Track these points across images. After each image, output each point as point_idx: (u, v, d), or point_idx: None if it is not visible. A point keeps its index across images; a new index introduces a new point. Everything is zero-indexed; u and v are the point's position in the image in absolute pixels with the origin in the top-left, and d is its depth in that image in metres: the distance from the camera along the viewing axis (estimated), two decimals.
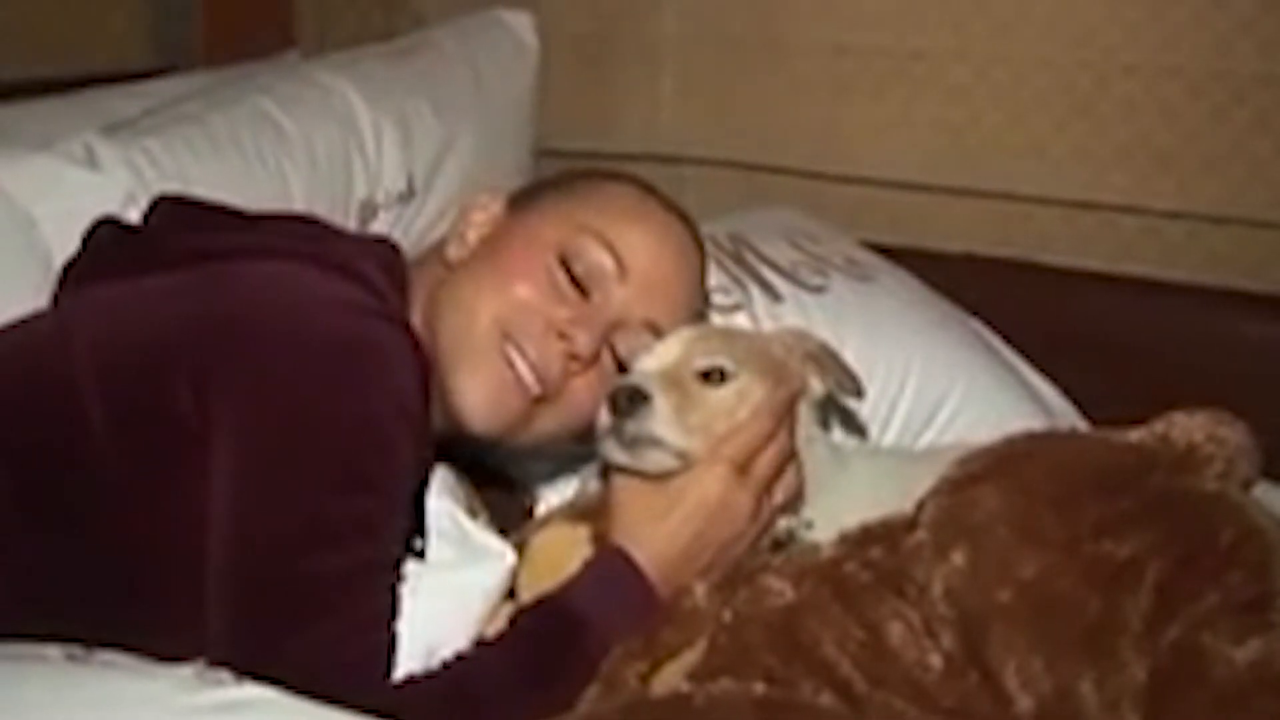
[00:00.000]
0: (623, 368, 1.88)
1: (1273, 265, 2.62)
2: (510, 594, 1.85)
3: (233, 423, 1.60)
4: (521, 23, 2.84)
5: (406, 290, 1.86)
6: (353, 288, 1.72)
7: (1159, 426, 1.85)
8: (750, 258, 2.47)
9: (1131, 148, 2.68)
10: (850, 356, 2.27)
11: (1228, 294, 2.65)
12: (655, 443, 1.78)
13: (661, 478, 1.81)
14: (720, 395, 1.84)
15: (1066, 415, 2.56)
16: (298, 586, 1.58)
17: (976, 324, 2.61)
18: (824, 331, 2.31)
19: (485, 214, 1.93)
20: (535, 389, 1.83)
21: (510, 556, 1.84)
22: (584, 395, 1.86)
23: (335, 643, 1.58)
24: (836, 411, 2.13)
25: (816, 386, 1.97)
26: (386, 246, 1.93)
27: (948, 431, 2.37)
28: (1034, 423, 2.35)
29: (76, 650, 1.59)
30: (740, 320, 2.35)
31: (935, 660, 1.70)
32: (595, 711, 1.69)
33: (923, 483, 1.85)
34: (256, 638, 1.57)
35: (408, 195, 2.47)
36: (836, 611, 1.74)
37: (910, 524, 1.81)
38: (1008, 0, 2.74)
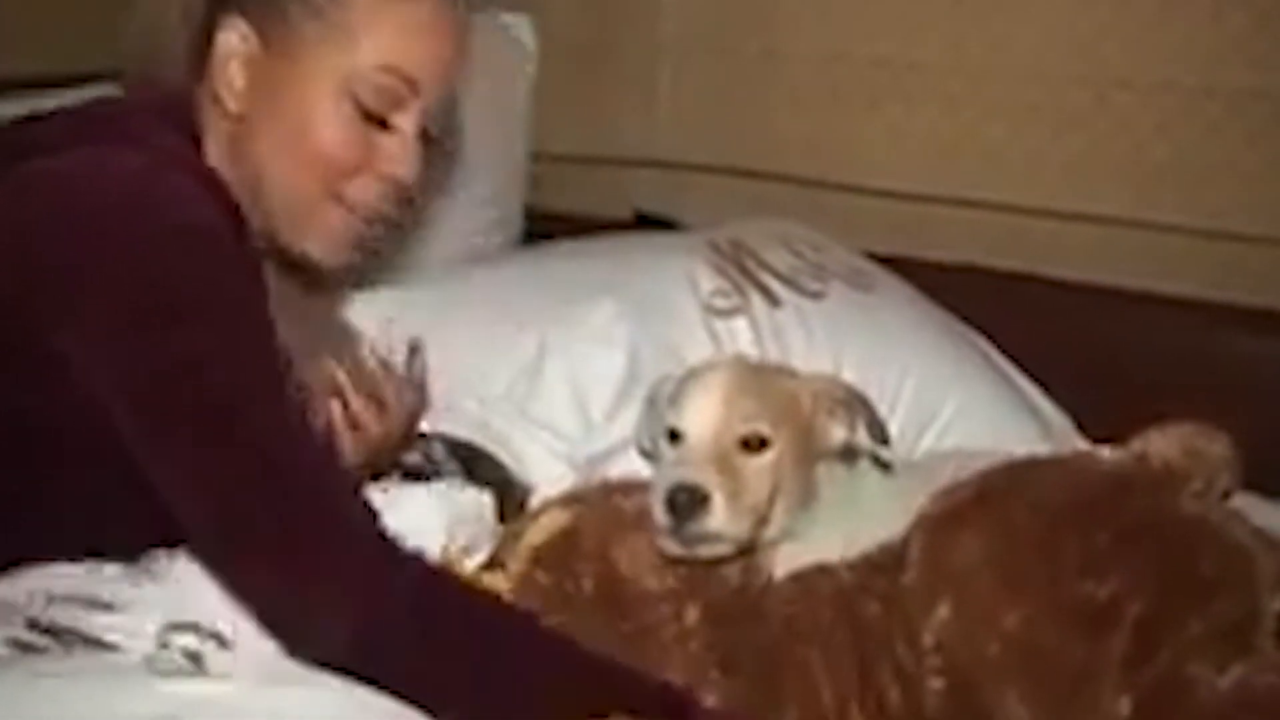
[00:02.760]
0: None
1: (1266, 279, 2.64)
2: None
3: (75, 308, 1.61)
4: (520, 25, 2.86)
5: (202, 143, 1.82)
6: (144, 154, 1.70)
7: (1136, 445, 1.86)
8: (750, 264, 2.48)
9: (1127, 161, 2.71)
10: (847, 364, 2.35)
11: (1223, 308, 2.67)
12: (717, 539, 1.81)
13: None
14: (759, 466, 1.86)
15: (1063, 429, 2.57)
16: (203, 409, 1.59)
17: (974, 335, 2.62)
18: (821, 339, 2.39)
19: (241, 60, 1.80)
20: (370, 229, 1.85)
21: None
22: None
23: (265, 437, 1.60)
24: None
25: (839, 435, 1.98)
26: (173, 104, 1.84)
27: (943, 441, 2.38)
28: (1028, 435, 2.39)
29: (22, 634, 1.64)
30: (739, 326, 2.37)
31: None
32: None
33: (920, 498, 1.88)
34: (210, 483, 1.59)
35: None
36: (842, 638, 1.79)
37: (900, 558, 1.83)
38: (1005, 14, 2.75)
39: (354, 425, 2.04)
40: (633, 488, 1.96)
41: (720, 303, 2.40)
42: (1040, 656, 1.70)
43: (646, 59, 3.06)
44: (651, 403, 2.05)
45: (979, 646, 1.72)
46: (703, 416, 1.87)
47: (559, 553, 1.89)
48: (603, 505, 1.94)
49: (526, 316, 2.37)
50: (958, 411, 2.42)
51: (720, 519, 1.79)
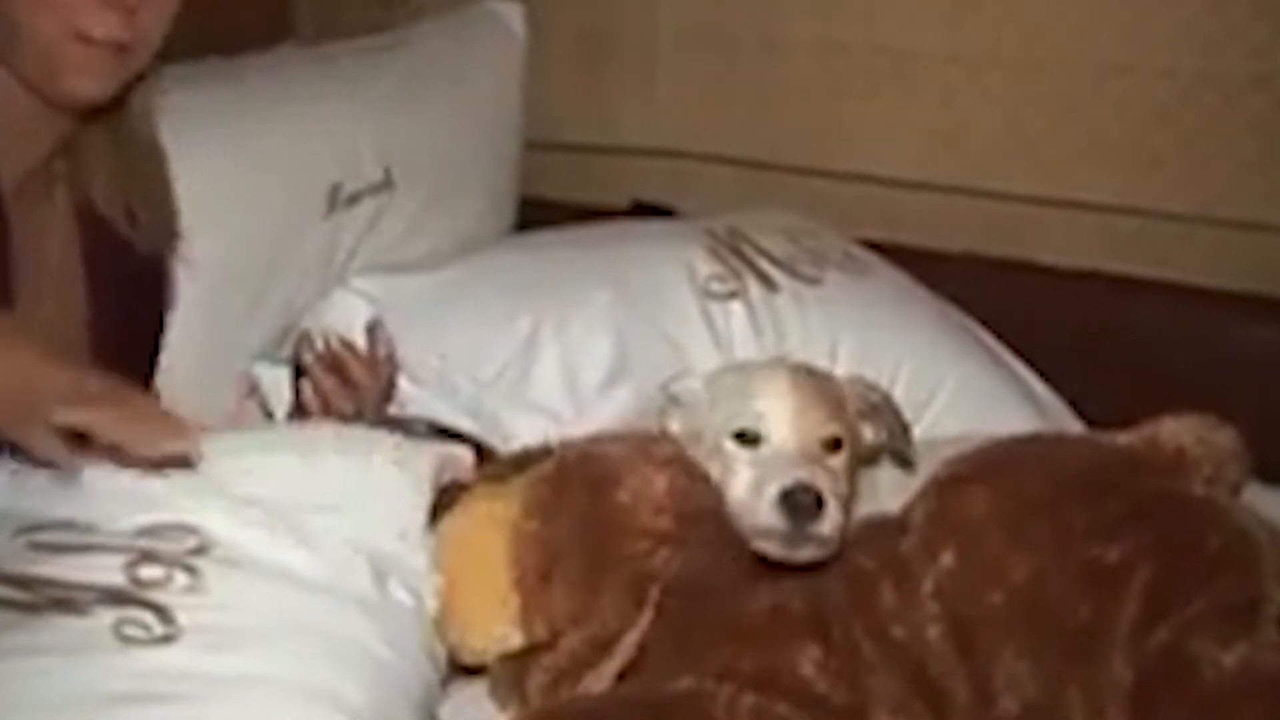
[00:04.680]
0: None
1: (1264, 266, 2.60)
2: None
3: None
4: (511, 13, 2.82)
5: None
6: None
7: (1148, 430, 1.85)
8: (747, 249, 2.46)
9: (1125, 148, 2.67)
10: (843, 349, 2.34)
11: (1221, 295, 2.63)
12: (824, 543, 1.78)
13: None
14: (839, 468, 1.87)
15: (1060, 414, 2.54)
16: None
17: (970, 322, 2.59)
18: (818, 324, 2.37)
19: None
20: (118, 57, 1.83)
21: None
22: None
23: None
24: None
25: (869, 437, 2.00)
26: None
27: (939, 426, 2.35)
28: (1027, 421, 2.35)
29: None
30: (735, 310, 2.36)
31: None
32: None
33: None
34: None
35: (385, 185, 2.46)
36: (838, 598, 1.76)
37: (901, 526, 1.82)
38: (1003, 2, 2.73)
39: (326, 407, 2.09)
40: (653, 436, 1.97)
41: (717, 287, 2.38)
42: (1045, 610, 1.67)
43: (645, 47, 3.02)
44: (674, 399, 2.02)
45: (981, 594, 1.70)
46: (786, 418, 1.86)
47: (568, 466, 1.89)
48: (629, 440, 1.94)
49: (521, 301, 2.35)
50: (953, 397, 2.40)
51: (833, 522, 1.77)
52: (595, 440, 1.94)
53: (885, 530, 1.83)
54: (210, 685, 1.51)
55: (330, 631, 1.64)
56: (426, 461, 1.90)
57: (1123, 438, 1.86)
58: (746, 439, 1.86)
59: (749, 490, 1.81)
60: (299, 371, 2.18)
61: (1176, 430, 1.83)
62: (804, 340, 2.33)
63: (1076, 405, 2.55)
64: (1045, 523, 1.72)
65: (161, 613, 1.56)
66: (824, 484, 1.78)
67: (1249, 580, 1.68)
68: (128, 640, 1.53)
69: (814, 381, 1.96)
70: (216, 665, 1.54)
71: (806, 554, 1.77)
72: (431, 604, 1.79)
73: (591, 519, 1.81)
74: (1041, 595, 1.68)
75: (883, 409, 2.02)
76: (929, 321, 2.50)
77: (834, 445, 1.87)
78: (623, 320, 2.30)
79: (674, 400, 2.01)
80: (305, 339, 2.19)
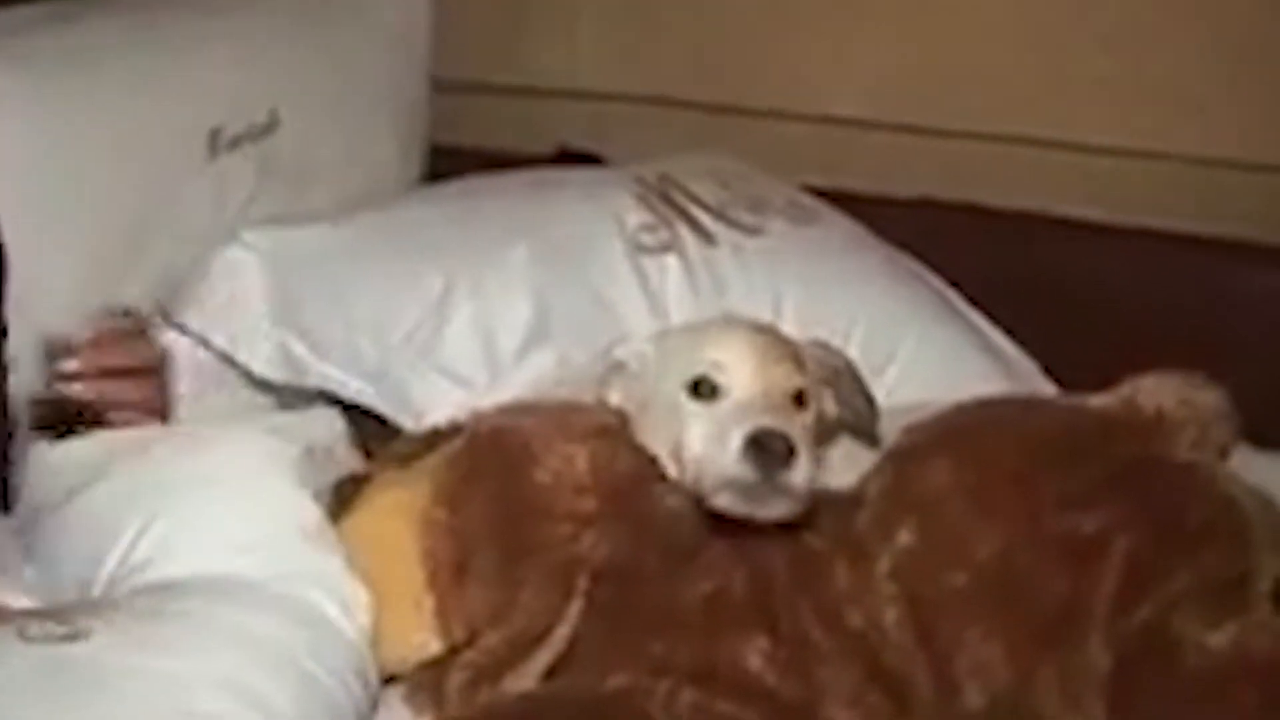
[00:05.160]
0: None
1: (1255, 209, 2.61)
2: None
3: None
4: None
5: None
6: None
7: (1125, 391, 1.85)
8: (681, 198, 2.44)
9: (1105, 82, 2.67)
10: (789, 305, 2.32)
11: (1208, 241, 2.63)
12: (795, 496, 1.76)
13: None
14: (806, 424, 1.86)
15: (1030, 376, 2.53)
16: None
17: (928, 274, 2.58)
18: (760, 278, 2.34)
19: None
20: None
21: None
22: None
23: None
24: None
25: (829, 409, 1.99)
26: None
27: (899, 390, 2.32)
28: (993, 384, 2.34)
29: None
30: (669, 263, 2.33)
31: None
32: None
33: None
34: None
35: (270, 127, 2.43)
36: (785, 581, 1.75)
37: (854, 502, 1.81)
38: None
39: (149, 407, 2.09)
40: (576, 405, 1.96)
41: (648, 240, 2.36)
42: (1014, 590, 1.69)
43: None
44: (618, 366, 2.00)
45: (943, 574, 1.71)
46: (748, 368, 1.86)
47: (479, 444, 1.88)
48: (546, 411, 1.93)
49: (432, 258, 2.31)
50: (912, 358, 2.38)
51: (805, 472, 1.75)
52: (509, 412, 1.94)
53: (837, 507, 1.83)
54: (122, 677, 1.55)
55: (257, 639, 1.67)
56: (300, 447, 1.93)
57: (1098, 400, 1.86)
58: (704, 392, 1.85)
59: (709, 441, 1.80)
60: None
61: (1157, 390, 1.83)
62: (746, 296, 2.31)
63: (1047, 365, 2.55)
64: (1013, 494, 1.72)
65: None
66: (794, 430, 1.77)
67: (1237, 553, 1.70)
68: (30, 639, 1.57)
69: (774, 335, 1.96)
70: (128, 660, 1.57)
71: (776, 509, 1.76)
72: (363, 620, 1.79)
73: (507, 503, 1.80)
74: (1009, 573, 1.68)
75: (844, 376, 2.01)
76: (883, 274, 2.49)
77: (799, 401, 1.86)
78: (543, 277, 2.27)
79: (617, 367, 2.01)
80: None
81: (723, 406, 1.83)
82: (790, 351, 1.92)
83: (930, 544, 1.72)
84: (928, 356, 2.39)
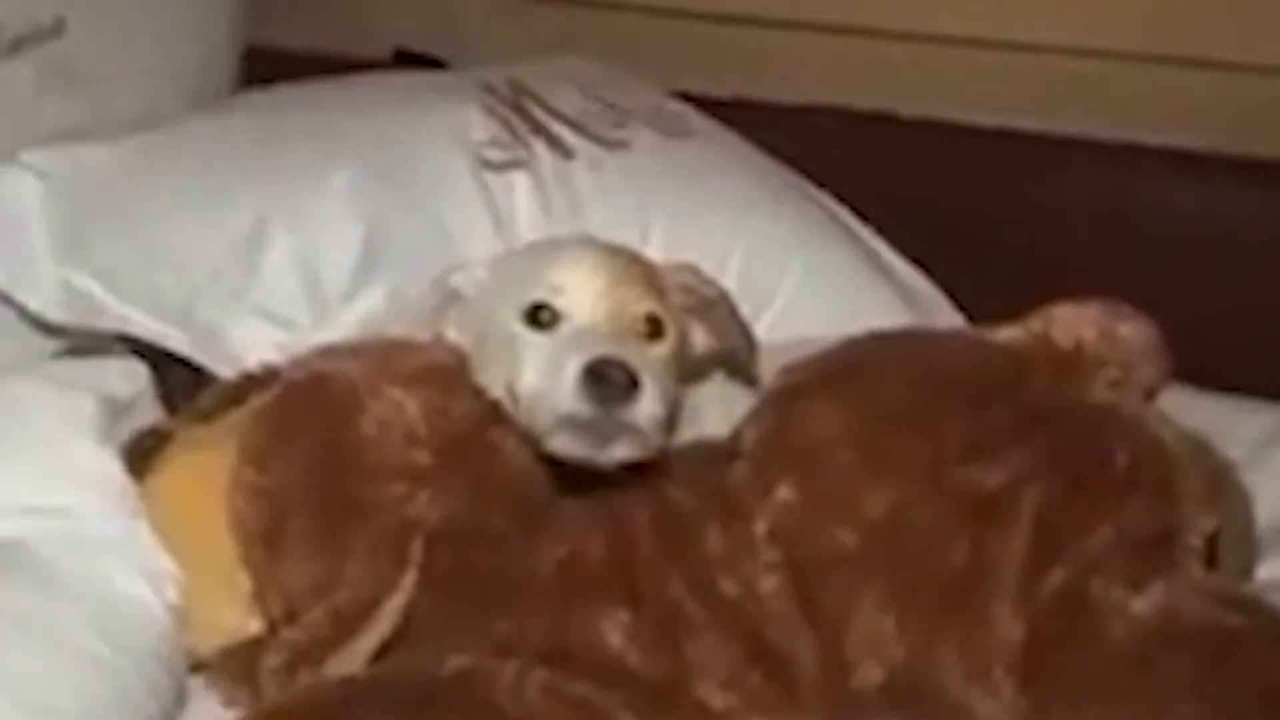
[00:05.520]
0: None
1: (1194, 114, 2.61)
2: None
3: None
4: None
5: None
6: None
7: (1037, 323, 1.84)
8: (534, 108, 2.43)
9: None
10: (657, 230, 2.31)
11: (1139, 150, 2.64)
12: (641, 436, 1.75)
13: None
14: (661, 357, 1.84)
15: (935, 306, 2.53)
16: None
17: (819, 192, 2.58)
18: (624, 198, 2.34)
19: None
20: None
21: None
22: None
23: None
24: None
25: (698, 342, 1.99)
26: None
27: (781, 327, 2.32)
28: (891, 316, 2.34)
29: None
30: (519, 181, 2.32)
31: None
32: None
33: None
34: None
35: (56, 29, 2.37)
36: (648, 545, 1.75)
37: (728, 453, 1.79)
38: None
39: None
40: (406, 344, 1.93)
41: (495, 155, 2.34)
42: (911, 551, 1.68)
43: None
44: (454, 294, 2.00)
45: (829, 534, 1.70)
46: (591, 290, 1.84)
47: (293, 393, 1.86)
48: (370, 351, 1.90)
49: (242, 181, 2.27)
50: (799, 287, 2.38)
51: (651, 407, 1.73)
52: (329, 355, 1.89)
53: (708, 458, 1.82)
54: None
55: (35, 620, 1.67)
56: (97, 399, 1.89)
57: (1006, 333, 1.85)
58: (541, 319, 1.84)
59: (543, 374, 1.78)
60: None
61: (1073, 321, 1.82)
62: (607, 219, 2.29)
63: (955, 294, 2.55)
64: (908, 442, 1.72)
65: None
66: (636, 359, 1.75)
67: (1164, 506, 1.70)
68: None
69: (629, 257, 1.95)
70: None
71: (618, 451, 1.75)
72: (170, 595, 1.78)
73: (328, 459, 1.78)
74: (905, 532, 1.68)
75: (719, 307, 1.99)
76: (765, 193, 2.48)
77: (653, 331, 1.85)
78: (374, 201, 2.24)
79: (453, 297, 1.99)
80: None
81: (560, 334, 1.81)
82: (645, 273, 1.91)
83: (814, 500, 1.71)
84: (816, 285, 2.39)
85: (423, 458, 1.76)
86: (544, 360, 1.79)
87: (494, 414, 1.82)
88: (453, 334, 1.97)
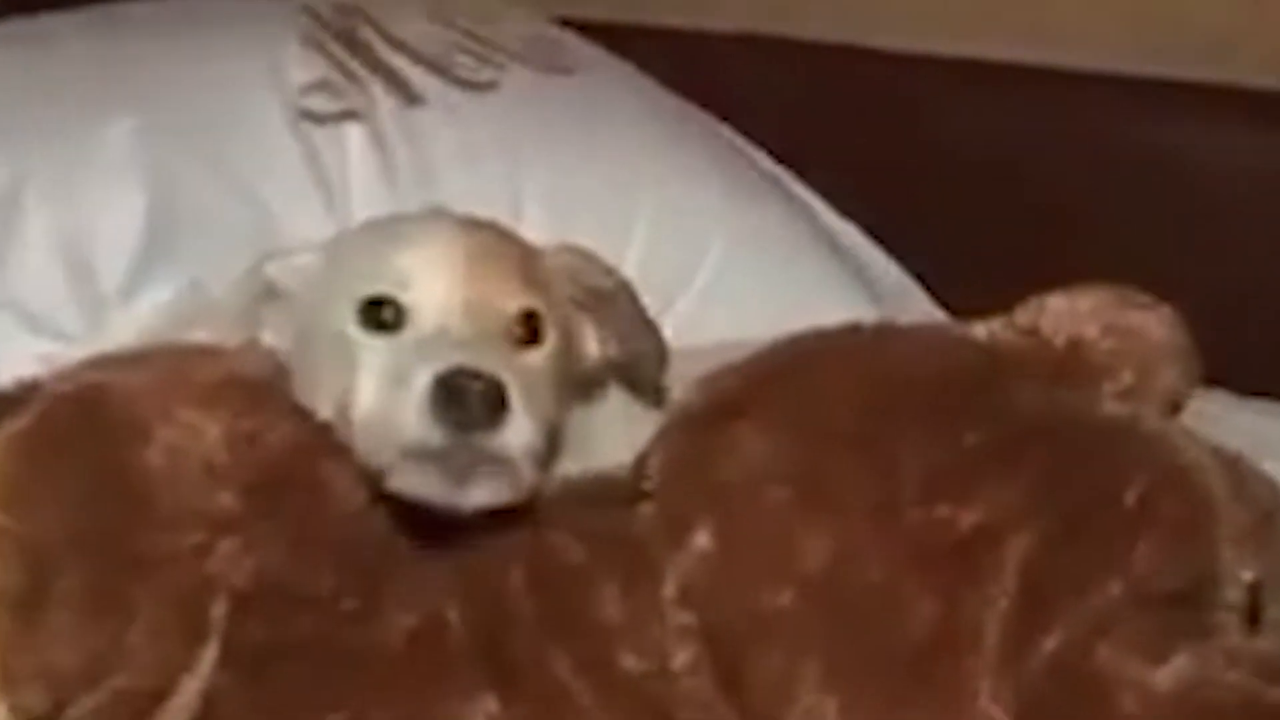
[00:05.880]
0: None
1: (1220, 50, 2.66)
2: None
3: None
4: None
5: None
6: None
7: (1024, 315, 1.85)
8: (372, 38, 2.47)
9: None
10: (531, 196, 2.36)
11: (1157, 84, 2.69)
12: (511, 469, 1.74)
13: None
14: (538, 366, 1.84)
15: (899, 289, 2.58)
16: None
17: (747, 145, 2.63)
18: (490, 153, 2.39)
19: None
20: None
21: None
22: None
23: None
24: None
25: (590, 348, 1.99)
26: None
27: (704, 316, 2.37)
28: (843, 308, 2.32)
29: None
30: (352, 136, 2.37)
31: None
32: None
33: None
34: None
35: None
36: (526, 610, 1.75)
37: (630, 490, 1.81)
38: None
39: None
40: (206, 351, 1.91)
41: (321, 103, 2.39)
42: (863, 614, 1.68)
43: None
44: (271, 289, 1.99)
45: (756, 592, 1.70)
46: (446, 282, 1.84)
47: (58, 415, 1.82)
48: (158, 360, 1.88)
49: None
50: (723, 268, 2.43)
51: (524, 433, 1.73)
52: (105, 366, 1.88)
53: (602, 497, 1.83)
54: None
55: None
56: None
57: (984, 327, 1.86)
58: (383, 319, 1.83)
59: (383, 389, 1.77)
60: None
61: (1073, 314, 1.84)
62: (469, 185, 2.33)
63: (928, 280, 2.58)
64: (860, 470, 1.72)
65: None
66: (509, 376, 1.74)
67: (1191, 551, 1.70)
68: None
69: (495, 234, 1.95)
70: None
71: (480, 493, 1.74)
72: None
73: (101, 501, 1.75)
74: (854, 590, 1.68)
75: (617, 301, 2.00)
76: (674, 144, 2.53)
77: (529, 333, 1.85)
78: (160, 163, 2.27)
79: (268, 290, 1.99)
80: None
81: (406, 338, 1.80)
82: (518, 258, 1.91)
83: (738, 550, 1.71)
84: (744, 263, 2.43)
85: (226, 498, 1.74)
86: (384, 372, 1.78)
87: (321, 441, 1.81)
88: (269, 339, 1.96)
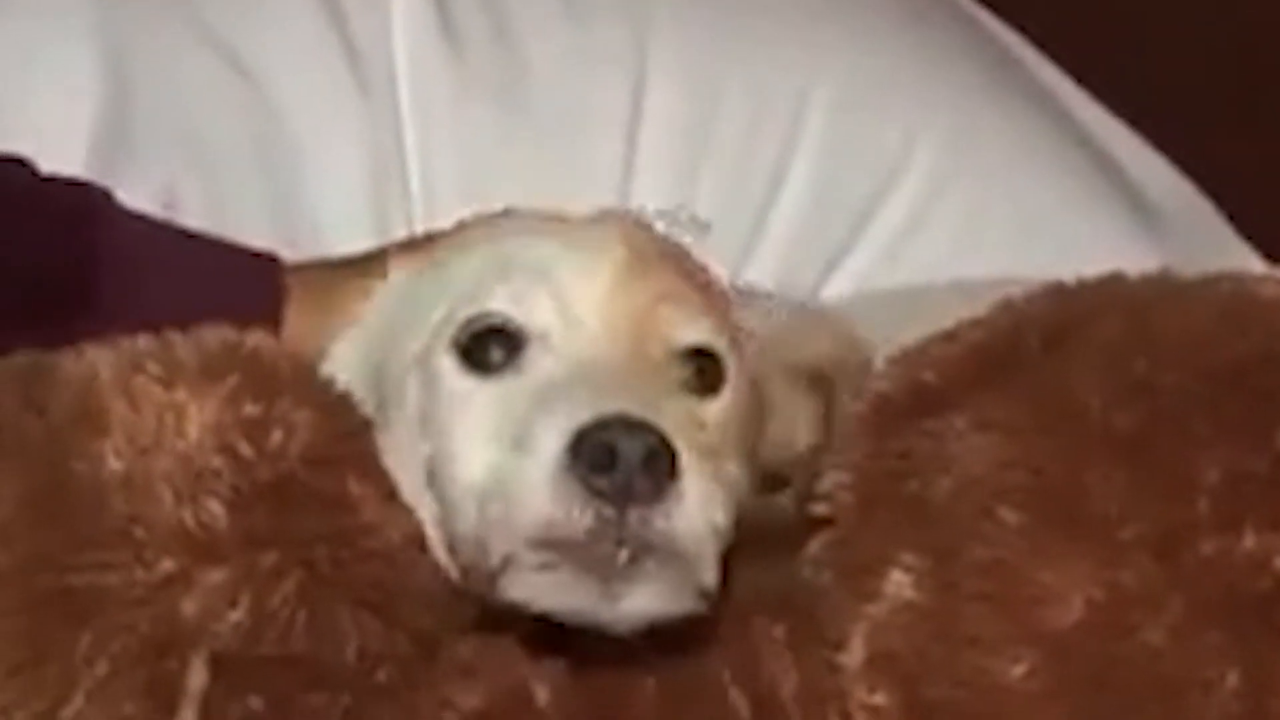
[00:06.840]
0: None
1: None
2: None
3: None
4: None
5: None
6: None
7: None
8: None
9: None
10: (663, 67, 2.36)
11: None
12: (674, 563, 1.69)
13: None
14: (716, 419, 1.82)
15: (1194, 226, 2.58)
16: None
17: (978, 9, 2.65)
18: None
19: None
20: None
21: None
22: None
23: None
24: None
25: (801, 439, 1.96)
26: None
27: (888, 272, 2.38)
28: (1119, 252, 2.40)
29: None
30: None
31: None
32: None
33: None
34: None
35: None
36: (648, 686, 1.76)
37: (799, 510, 1.82)
38: None
39: None
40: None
41: None
42: (1134, 690, 1.68)
43: None
44: None
45: (983, 664, 1.70)
46: (589, 296, 1.82)
47: None
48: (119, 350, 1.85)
49: None
50: (930, 180, 2.44)
51: (703, 506, 1.69)
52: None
53: (761, 527, 1.82)
54: None
55: None
56: None
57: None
58: (492, 352, 1.82)
59: (493, 454, 1.74)
60: None
61: None
62: (568, 48, 2.37)
63: (1234, 213, 2.59)
64: (1127, 488, 1.71)
65: None
66: (680, 433, 1.69)
67: None
68: None
69: (675, 255, 1.93)
70: None
71: (641, 602, 1.70)
72: None
73: (37, 511, 1.77)
74: (1123, 655, 1.68)
75: (841, 366, 1.96)
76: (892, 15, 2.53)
77: (699, 371, 1.83)
78: (113, 30, 2.33)
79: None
80: None
81: (526, 378, 1.78)
82: (697, 277, 1.91)
83: (954, 598, 1.71)
84: (955, 184, 2.46)
85: (212, 511, 1.74)
86: (496, 428, 1.75)
87: (354, 448, 1.81)
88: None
